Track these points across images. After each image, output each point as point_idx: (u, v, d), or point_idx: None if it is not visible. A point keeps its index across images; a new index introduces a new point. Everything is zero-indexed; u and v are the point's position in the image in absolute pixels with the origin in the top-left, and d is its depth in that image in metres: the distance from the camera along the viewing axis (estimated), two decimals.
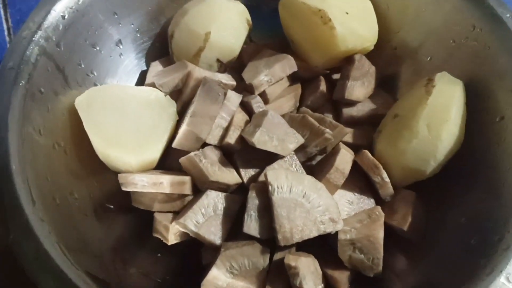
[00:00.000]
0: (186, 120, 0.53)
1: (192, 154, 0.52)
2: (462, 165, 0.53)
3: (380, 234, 0.50)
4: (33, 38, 0.50)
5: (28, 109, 0.47)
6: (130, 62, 0.63)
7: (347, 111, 0.61)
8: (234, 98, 0.56)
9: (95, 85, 0.58)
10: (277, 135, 0.52)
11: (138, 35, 0.63)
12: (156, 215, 0.53)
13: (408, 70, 0.64)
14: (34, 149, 0.47)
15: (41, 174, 0.46)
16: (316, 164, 0.59)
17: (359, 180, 0.57)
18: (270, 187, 0.49)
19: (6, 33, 0.79)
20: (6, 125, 0.45)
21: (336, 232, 0.51)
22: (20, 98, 0.47)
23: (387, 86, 0.65)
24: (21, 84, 0.48)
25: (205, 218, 0.51)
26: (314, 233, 0.49)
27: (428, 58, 0.61)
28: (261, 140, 0.52)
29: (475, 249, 0.46)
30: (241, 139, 0.55)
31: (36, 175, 0.45)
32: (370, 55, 0.62)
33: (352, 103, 0.61)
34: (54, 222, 0.43)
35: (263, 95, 0.60)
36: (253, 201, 0.50)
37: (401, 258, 0.54)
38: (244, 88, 0.61)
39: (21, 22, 0.76)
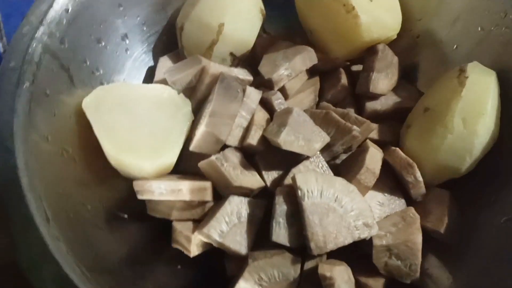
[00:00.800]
0: (205, 120, 0.49)
1: (213, 157, 0.48)
2: (498, 161, 0.50)
3: (419, 238, 0.47)
4: (35, 35, 0.45)
5: (33, 114, 0.43)
6: (136, 58, 0.58)
7: (371, 105, 0.57)
8: (254, 95, 0.52)
9: (101, 83, 0.53)
10: (303, 134, 0.49)
11: (145, 28, 0.58)
12: (176, 225, 0.49)
13: (431, 59, 0.61)
14: (42, 159, 0.42)
15: (51, 186, 0.42)
16: (341, 163, 0.55)
17: (388, 180, 0.53)
18: (299, 192, 0.46)
19: None
20: (12, 134, 0.40)
21: (370, 238, 0.47)
22: (25, 103, 0.42)
23: (408, 76, 0.62)
24: (25, 86, 0.43)
25: (229, 227, 0.47)
26: (348, 240, 0.46)
27: (455, 47, 0.57)
28: (287, 140, 0.48)
29: None
30: (263, 139, 0.51)
31: (47, 189, 0.41)
32: (391, 44, 0.59)
33: (375, 97, 0.58)
34: (70, 241, 0.39)
35: (282, 91, 0.56)
36: (281, 207, 0.47)
37: (438, 262, 0.51)
38: (260, 83, 0.57)
39: (11, 16, 0.71)
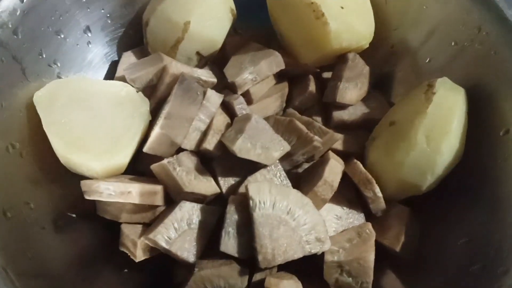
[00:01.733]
0: (160, 122, 0.47)
1: (165, 161, 0.46)
2: (463, 181, 0.49)
3: (371, 256, 0.45)
4: None
5: None
6: (99, 52, 0.57)
7: (338, 115, 0.56)
8: (215, 99, 0.50)
9: (59, 77, 0.52)
10: (261, 142, 0.47)
11: (109, 22, 0.56)
12: (123, 228, 0.48)
13: (405, 70, 0.59)
14: None
15: None
16: (302, 172, 0.53)
17: (348, 192, 0.52)
18: (251, 202, 0.44)
19: None
20: None
21: (323, 252, 0.46)
22: None
23: (381, 86, 0.60)
24: None
25: (178, 233, 0.46)
26: (298, 254, 0.45)
27: (427, 60, 0.56)
28: (243, 148, 0.46)
29: (475, 278, 0.42)
30: (220, 144, 0.49)
31: None
32: (365, 52, 0.57)
33: (343, 106, 0.56)
34: (2, 241, 0.37)
35: (246, 95, 0.54)
36: (232, 216, 0.45)
37: (393, 278, 0.50)
38: (225, 86, 0.55)
39: None
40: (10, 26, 0.46)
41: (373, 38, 0.57)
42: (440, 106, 0.48)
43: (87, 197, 0.46)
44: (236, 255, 0.45)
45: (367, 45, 0.56)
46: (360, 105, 0.57)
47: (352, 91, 0.55)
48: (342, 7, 0.52)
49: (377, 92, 0.59)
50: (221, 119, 0.51)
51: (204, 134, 0.50)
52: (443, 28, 0.54)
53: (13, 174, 0.44)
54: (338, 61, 0.56)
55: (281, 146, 0.48)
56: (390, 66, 0.60)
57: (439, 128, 0.47)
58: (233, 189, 0.49)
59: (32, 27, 0.48)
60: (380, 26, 0.57)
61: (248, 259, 0.46)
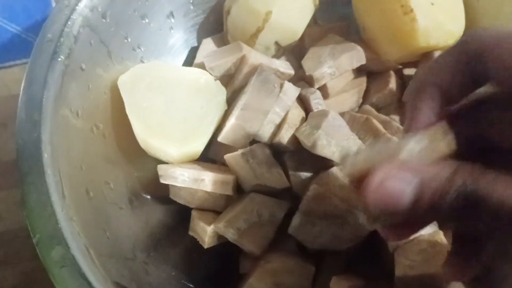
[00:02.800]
0: (236, 112, 0.47)
1: (239, 152, 0.47)
2: None
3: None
4: (76, 7, 0.45)
5: (66, 88, 0.43)
6: (180, 37, 0.57)
7: None
8: (292, 92, 0.50)
9: (142, 61, 0.53)
10: (336, 139, 0.46)
11: (192, 8, 0.57)
12: (194, 213, 0.49)
13: None
14: (69, 134, 0.43)
15: (75, 163, 0.42)
16: None
17: None
18: None
19: None
20: (41, 106, 0.40)
21: (393, 254, 0.45)
22: (57, 76, 0.42)
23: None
24: (59, 59, 0.43)
25: (247, 225, 0.46)
26: None
27: None
28: (319, 144, 0.46)
29: None
30: (294, 139, 0.49)
31: (70, 165, 0.41)
32: None
33: None
34: (85, 221, 0.40)
35: (323, 89, 0.53)
36: (309, 204, 0.45)
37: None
38: (301, 77, 0.54)
39: None
40: (100, 9, 0.47)
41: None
42: None
43: (162, 181, 0.48)
44: (303, 242, 0.45)
45: None
46: None
47: None
48: (432, 3, 0.50)
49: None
50: (296, 113, 0.50)
51: (278, 127, 0.49)
52: None
53: (96, 154, 0.46)
54: (423, 58, 0.54)
55: (356, 145, 0.47)
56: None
57: None
58: (304, 184, 0.49)
59: (119, 11, 0.49)
60: (469, 25, 0.54)
61: (315, 258, 0.46)
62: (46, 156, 0.39)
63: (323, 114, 0.48)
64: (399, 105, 0.55)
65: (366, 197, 0.27)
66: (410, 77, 0.56)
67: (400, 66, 0.57)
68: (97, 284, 0.35)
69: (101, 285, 0.35)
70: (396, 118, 0.54)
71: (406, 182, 0.26)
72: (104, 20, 0.47)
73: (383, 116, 0.52)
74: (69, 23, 0.44)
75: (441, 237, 0.46)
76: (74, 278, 0.35)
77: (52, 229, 0.36)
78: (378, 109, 0.54)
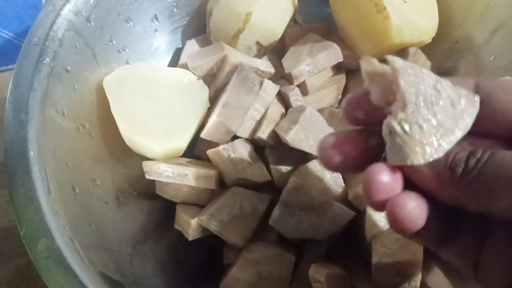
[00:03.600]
0: (217, 110, 0.49)
1: (220, 147, 0.49)
2: None
3: (420, 257, 0.45)
4: (61, 12, 0.47)
5: (52, 90, 0.45)
6: (165, 39, 0.59)
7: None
8: (271, 89, 0.51)
9: (127, 63, 0.55)
10: (313, 134, 0.48)
11: (175, 10, 0.59)
12: (179, 208, 0.51)
13: (468, 66, 0.58)
14: (55, 133, 0.44)
15: (61, 160, 0.44)
16: None
17: None
18: None
19: None
20: (27, 107, 0.42)
21: (370, 243, 0.47)
22: (43, 77, 0.44)
23: None
24: (45, 61, 0.45)
25: (229, 217, 0.48)
26: None
27: (492, 58, 0.54)
28: (296, 138, 0.48)
29: None
30: (274, 134, 0.51)
31: (56, 162, 0.43)
32: (427, 47, 0.56)
33: None
34: (70, 215, 0.41)
35: (302, 86, 0.55)
36: (288, 196, 0.47)
37: (441, 277, 0.50)
38: (282, 76, 0.56)
39: None
40: (84, 14, 0.49)
41: (436, 33, 0.56)
42: None
43: (147, 177, 0.49)
44: (283, 233, 0.47)
45: (430, 40, 0.55)
46: None
47: None
48: (405, 1, 0.51)
49: None
50: (276, 109, 0.52)
51: (259, 123, 0.51)
52: (510, 25, 0.52)
53: (82, 152, 0.48)
54: (398, 55, 0.55)
55: None
56: (453, 61, 0.59)
57: None
58: (284, 177, 0.50)
59: (103, 14, 0.51)
60: (444, 21, 0.56)
61: (296, 247, 0.48)
62: (32, 153, 0.41)
63: (301, 109, 0.50)
64: None
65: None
66: None
67: None
68: (81, 273, 0.37)
69: (85, 275, 0.37)
70: None
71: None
72: (88, 24, 0.49)
73: None
74: (54, 27, 0.46)
75: None
76: (59, 268, 0.37)
77: (37, 223, 0.38)
78: None
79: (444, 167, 0.27)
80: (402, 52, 0.55)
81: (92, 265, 0.39)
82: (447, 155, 0.27)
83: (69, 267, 0.37)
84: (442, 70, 0.59)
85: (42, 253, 0.37)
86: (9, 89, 0.44)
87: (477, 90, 0.30)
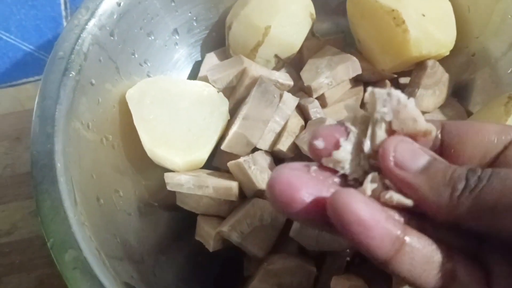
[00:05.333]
0: (238, 122, 0.50)
1: (241, 159, 0.49)
2: None
3: None
4: (86, 26, 0.48)
5: (77, 102, 0.46)
6: (184, 52, 0.60)
7: None
8: (291, 102, 0.52)
9: (148, 76, 0.56)
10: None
11: (195, 24, 0.60)
12: (200, 219, 0.51)
13: (485, 79, 0.58)
14: (80, 145, 0.45)
15: (86, 172, 0.45)
16: None
17: None
18: None
19: (62, 6, 0.78)
20: (53, 120, 0.43)
21: None
22: (69, 91, 0.45)
23: (460, 94, 0.60)
24: (71, 75, 0.46)
25: (250, 229, 0.48)
26: None
27: (509, 70, 0.54)
28: None
29: None
30: (294, 146, 0.51)
31: (81, 174, 0.44)
32: (444, 59, 0.57)
33: None
34: (95, 226, 0.42)
35: (321, 98, 0.55)
36: None
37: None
38: (300, 88, 0.57)
39: None
40: (108, 28, 0.50)
41: (454, 46, 0.56)
42: None
43: (169, 188, 0.50)
44: (304, 244, 0.47)
45: (448, 53, 0.56)
46: (437, 113, 0.56)
47: (429, 99, 0.55)
48: (423, 15, 0.52)
49: (456, 101, 0.58)
50: (295, 122, 0.52)
51: (279, 136, 0.52)
52: None
53: (105, 164, 0.49)
54: (416, 67, 0.56)
55: None
56: (470, 74, 0.59)
57: None
58: None
59: (126, 29, 0.52)
60: (461, 34, 0.56)
61: (316, 259, 0.48)
62: (59, 165, 0.41)
63: (321, 121, 0.50)
64: None
65: None
66: (405, 85, 0.58)
67: (395, 75, 0.59)
68: (108, 284, 0.37)
69: (111, 285, 0.37)
70: None
71: None
72: (112, 38, 0.50)
73: None
74: (79, 41, 0.47)
75: None
76: (86, 279, 0.37)
77: (65, 233, 0.39)
78: None
79: (443, 183, 0.25)
80: (420, 65, 0.55)
81: (118, 275, 0.40)
82: (444, 171, 0.26)
83: (96, 278, 0.37)
84: (459, 82, 0.59)
85: (70, 264, 0.38)
86: (36, 102, 0.45)
87: (442, 133, 0.29)
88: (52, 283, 0.56)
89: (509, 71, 0.54)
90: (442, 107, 0.57)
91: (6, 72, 0.73)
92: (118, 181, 0.50)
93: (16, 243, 0.58)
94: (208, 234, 0.50)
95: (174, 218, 0.54)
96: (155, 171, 0.53)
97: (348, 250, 0.49)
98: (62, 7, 0.78)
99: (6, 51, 0.75)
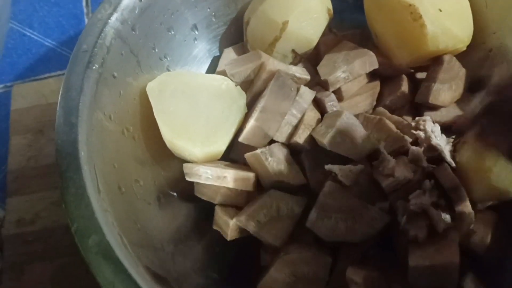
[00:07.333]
0: (255, 115, 0.51)
1: (258, 151, 0.50)
2: None
3: (456, 260, 0.45)
4: (109, 21, 0.49)
5: (99, 94, 0.47)
6: (203, 47, 0.62)
7: (429, 116, 0.56)
8: (307, 95, 0.53)
9: (168, 70, 0.57)
10: (350, 138, 0.49)
11: (214, 20, 0.61)
12: (217, 209, 0.52)
13: (501, 75, 0.58)
14: (103, 136, 0.47)
15: (108, 161, 0.46)
16: None
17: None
18: None
19: (84, 3, 0.80)
20: (77, 111, 0.45)
21: (407, 246, 0.47)
22: (92, 83, 0.47)
23: (478, 89, 0.60)
24: (94, 68, 0.47)
25: (267, 219, 0.49)
26: None
27: None
28: (334, 142, 0.49)
29: None
30: (310, 138, 0.52)
31: (103, 163, 0.45)
32: (462, 54, 0.57)
33: (435, 107, 0.56)
34: (117, 213, 0.43)
35: (337, 92, 0.56)
36: (325, 199, 0.48)
37: (474, 279, 0.50)
38: (317, 82, 0.57)
39: None
40: (130, 23, 0.51)
41: (471, 41, 0.56)
42: None
43: (187, 179, 0.51)
44: (320, 235, 0.48)
45: (464, 48, 0.56)
46: (454, 108, 0.57)
47: (446, 93, 0.55)
48: (440, 10, 0.52)
49: (473, 96, 0.58)
50: (312, 115, 0.53)
51: (295, 128, 0.53)
52: None
53: (127, 154, 0.50)
54: (433, 62, 0.56)
55: (370, 143, 0.50)
56: (487, 70, 0.59)
57: None
58: (320, 181, 0.51)
59: (147, 24, 0.53)
60: (478, 29, 0.56)
61: (332, 249, 0.49)
62: (82, 154, 0.43)
63: (338, 114, 0.51)
64: (411, 106, 0.58)
65: None
66: (422, 80, 0.58)
67: (412, 70, 0.60)
68: (130, 267, 0.38)
69: (133, 269, 0.39)
70: (408, 118, 0.56)
71: None
72: (133, 33, 0.52)
73: (395, 117, 0.54)
74: (102, 35, 0.49)
75: (454, 232, 0.48)
76: (109, 263, 0.38)
77: (88, 219, 0.40)
78: (392, 111, 0.57)
79: None
80: (436, 59, 0.56)
81: (139, 260, 0.41)
82: None
83: (118, 261, 0.38)
84: (476, 78, 0.59)
85: (93, 248, 0.39)
86: (60, 93, 0.46)
87: None
88: (74, 272, 0.57)
89: None
90: (459, 102, 0.57)
91: (29, 67, 0.75)
92: (139, 171, 0.51)
93: (39, 232, 0.60)
94: (225, 224, 0.51)
95: (193, 208, 0.55)
96: (174, 162, 0.54)
97: (363, 242, 0.49)
98: (84, 4, 0.80)
99: (29, 47, 0.77)
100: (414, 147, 0.50)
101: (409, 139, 0.51)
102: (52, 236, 0.60)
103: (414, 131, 0.51)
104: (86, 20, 0.78)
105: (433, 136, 0.50)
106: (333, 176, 0.50)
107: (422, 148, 0.50)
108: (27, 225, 0.60)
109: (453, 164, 0.51)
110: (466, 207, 0.48)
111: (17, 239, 0.60)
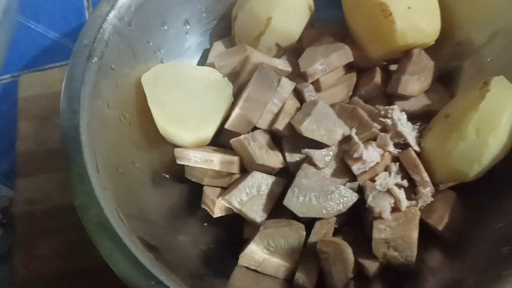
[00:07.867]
0: (240, 103, 0.56)
1: (242, 137, 0.56)
2: (508, 172, 0.53)
3: (414, 234, 0.51)
4: (107, 17, 0.55)
5: (99, 84, 0.53)
6: (195, 40, 0.67)
7: (400, 105, 0.61)
8: (287, 86, 0.58)
9: (161, 62, 0.62)
10: (324, 125, 0.55)
11: (204, 15, 0.66)
12: (205, 189, 0.58)
13: (469, 67, 0.63)
14: (102, 122, 0.52)
15: (107, 145, 0.52)
16: None
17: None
18: None
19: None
20: (79, 99, 0.50)
21: (372, 222, 0.53)
22: (92, 74, 0.52)
23: (447, 81, 0.65)
24: (94, 60, 0.53)
25: (249, 197, 0.55)
26: None
27: (489, 59, 0.59)
28: (309, 128, 0.54)
29: (503, 259, 0.47)
30: (290, 125, 0.57)
31: (103, 146, 0.51)
32: (431, 48, 0.62)
33: (405, 97, 0.61)
34: (115, 190, 0.49)
35: (316, 83, 0.61)
36: (300, 179, 0.53)
37: (436, 254, 0.55)
38: (298, 74, 0.63)
39: None
40: (126, 19, 0.57)
41: (440, 35, 0.61)
42: (492, 102, 0.51)
43: (178, 162, 0.57)
44: (295, 211, 0.53)
45: (433, 42, 0.61)
46: (423, 97, 0.62)
47: (414, 84, 0.60)
48: (409, 7, 0.57)
49: (441, 86, 0.63)
50: (292, 104, 0.59)
51: (276, 116, 0.58)
52: (508, 28, 0.57)
53: (123, 139, 0.56)
54: (403, 55, 0.61)
55: (342, 130, 0.55)
56: (456, 62, 0.64)
57: (488, 122, 0.51)
58: (297, 164, 0.57)
59: (143, 19, 0.59)
60: (447, 24, 0.61)
61: (305, 222, 0.54)
62: (84, 138, 0.48)
63: (314, 103, 0.56)
64: (384, 96, 0.63)
65: None
66: (394, 71, 0.63)
67: (385, 63, 0.65)
68: (124, 237, 0.44)
69: (127, 238, 0.45)
70: (381, 107, 0.62)
71: None
72: (130, 28, 0.57)
73: (368, 106, 0.60)
74: (101, 30, 0.54)
75: (415, 209, 0.54)
76: (106, 232, 0.44)
77: (88, 195, 0.46)
78: (366, 101, 0.62)
79: None
80: (406, 53, 0.61)
81: (133, 230, 0.47)
82: None
83: (114, 231, 0.44)
84: (446, 69, 0.64)
85: (92, 219, 0.45)
86: (63, 83, 0.52)
87: None
88: (79, 246, 0.62)
89: (489, 59, 0.59)
90: (427, 92, 0.62)
91: (35, 58, 0.81)
92: (134, 154, 0.57)
93: (47, 210, 0.66)
94: (212, 202, 0.56)
95: (184, 188, 0.61)
96: (166, 147, 0.60)
97: (335, 218, 0.55)
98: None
99: (35, 39, 0.83)
100: (382, 133, 0.56)
101: (378, 126, 0.56)
102: (58, 214, 0.65)
103: (382, 119, 0.56)
104: (86, 14, 0.83)
105: (399, 124, 0.55)
106: (309, 159, 0.55)
107: (389, 134, 0.55)
108: (37, 203, 0.66)
109: (417, 149, 0.56)
110: (425, 186, 0.54)
111: (27, 216, 0.66)
